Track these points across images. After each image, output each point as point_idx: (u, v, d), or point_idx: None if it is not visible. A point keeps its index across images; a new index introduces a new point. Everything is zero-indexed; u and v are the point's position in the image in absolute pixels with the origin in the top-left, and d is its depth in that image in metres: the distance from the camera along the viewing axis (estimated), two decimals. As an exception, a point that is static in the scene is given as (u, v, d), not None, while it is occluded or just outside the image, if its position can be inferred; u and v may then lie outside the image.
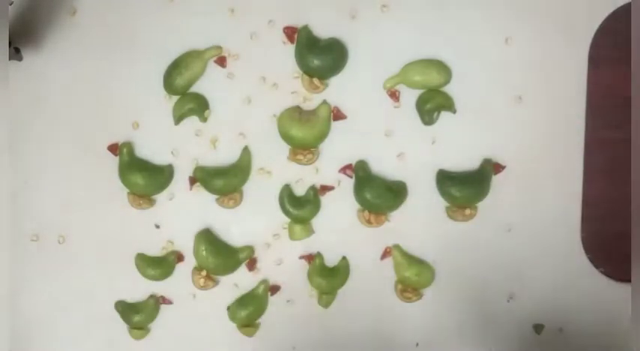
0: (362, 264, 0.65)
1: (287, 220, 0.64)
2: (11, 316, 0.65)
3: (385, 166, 0.64)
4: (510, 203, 0.64)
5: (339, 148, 0.64)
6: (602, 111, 0.64)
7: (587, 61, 0.64)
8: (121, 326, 0.65)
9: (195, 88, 0.64)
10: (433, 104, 0.63)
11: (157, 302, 0.65)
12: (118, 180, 0.64)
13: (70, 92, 0.64)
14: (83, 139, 0.64)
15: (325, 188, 0.64)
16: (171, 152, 0.64)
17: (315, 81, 0.63)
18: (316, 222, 0.65)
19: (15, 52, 0.62)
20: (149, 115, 0.64)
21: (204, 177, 0.64)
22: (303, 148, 0.64)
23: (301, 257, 0.64)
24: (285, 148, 0.64)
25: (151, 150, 0.64)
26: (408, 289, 0.64)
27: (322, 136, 0.64)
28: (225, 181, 0.63)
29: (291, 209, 0.64)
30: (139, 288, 0.65)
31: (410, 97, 0.64)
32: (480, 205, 0.64)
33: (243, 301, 0.65)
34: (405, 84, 0.64)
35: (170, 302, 0.65)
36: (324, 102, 0.64)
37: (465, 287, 0.65)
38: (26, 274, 0.65)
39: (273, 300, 0.65)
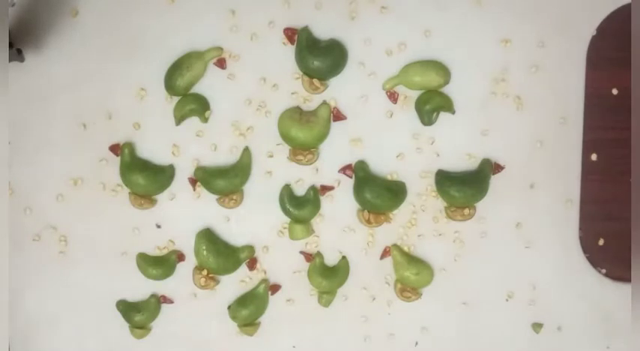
0: (362, 264, 0.65)
1: (287, 219, 0.65)
2: (11, 315, 0.65)
3: (385, 166, 0.65)
4: (509, 203, 0.64)
5: (339, 148, 0.64)
6: (600, 111, 0.64)
7: (586, 62, 0.64)
8: (123, 325, 0.65)
9: (196, 89, 0.64)
10: (432, 105, 0.63)
11: (158, 301, 0.65)
12: (120, 180, 0.64)
13: (72, 93, 0.64)
14: (84, 140, 0.64)
15: (325, 188, 0.65)
16: (172, 152, 0.65)
17: (315, 82, 0.63)
18: (316, 222, 0.65)
19: (17, 53, 0.62)
20: (150, 116, 0.64)
21: (205, 177, 0.64)
22: (304, 149, 0.64)
23: (301, 252, 0.65)
24: (285, 149, 0.64)
25: (152, 150, 0.65)
26: (408, 289, 0.64)
27: (322, 136, 0.64)
28: (225, 181, 0.64)
29: (291, 209, 0.64)
30: (140, 287, 0.65)
31: (409, 97, 0.64)
32: (479, 205, 0.64)
33: (244, 300, 0.65)
34: (405, 85, 0.64)
35: (171, 301, 0.65)
36: (324, 102, 0.64)
37: (464, 286, 0.65)
38: (27, 273, 0.65)
39: (274, 299, 0.65)
